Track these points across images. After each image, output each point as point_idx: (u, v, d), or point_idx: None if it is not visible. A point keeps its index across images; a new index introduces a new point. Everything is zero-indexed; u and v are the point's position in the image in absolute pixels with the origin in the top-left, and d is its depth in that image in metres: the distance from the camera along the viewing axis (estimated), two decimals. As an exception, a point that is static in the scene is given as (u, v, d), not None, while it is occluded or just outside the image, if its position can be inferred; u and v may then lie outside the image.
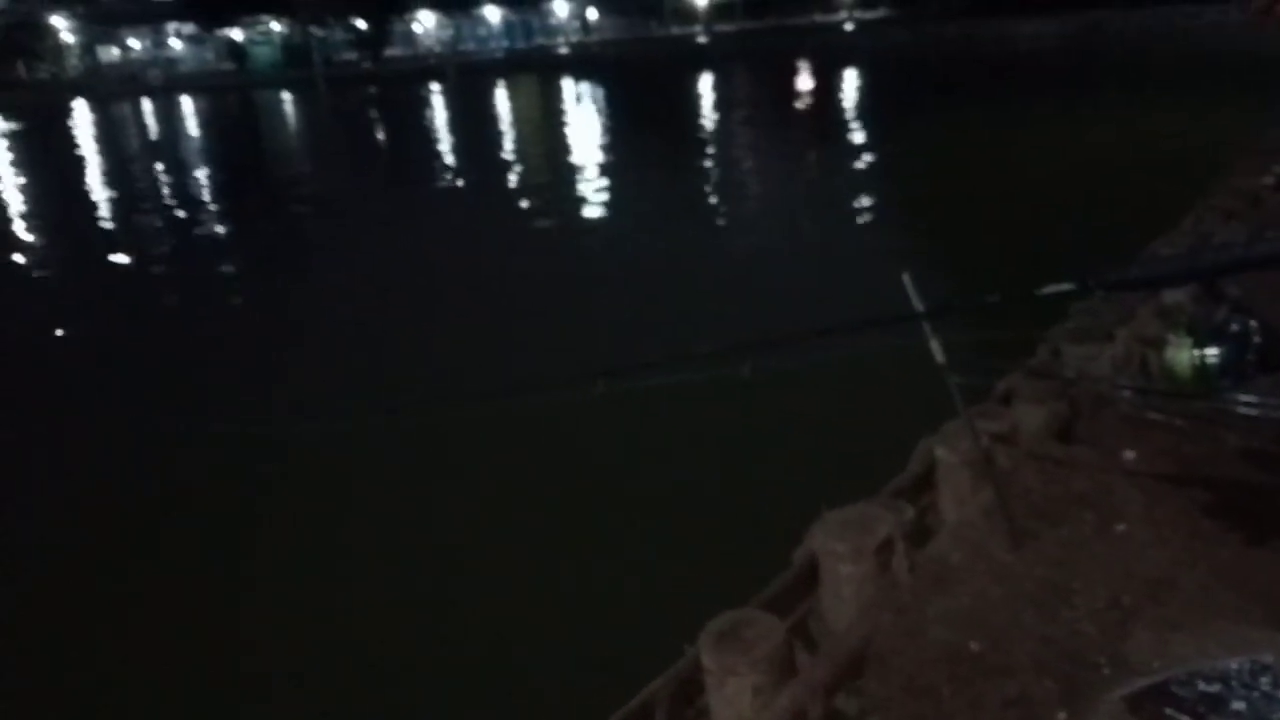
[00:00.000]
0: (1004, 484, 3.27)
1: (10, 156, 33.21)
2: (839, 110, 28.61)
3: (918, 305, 2.86)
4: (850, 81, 38.00)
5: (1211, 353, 2.32)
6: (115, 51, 76.99)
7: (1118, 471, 3.44)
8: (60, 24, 72.19)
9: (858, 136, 23.00)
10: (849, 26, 65.59)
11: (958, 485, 3.26)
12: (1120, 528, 3.15)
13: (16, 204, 22.54)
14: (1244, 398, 2.60)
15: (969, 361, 3.14)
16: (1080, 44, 41.11)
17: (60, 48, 73.57)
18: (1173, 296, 4.56)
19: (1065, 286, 2.58)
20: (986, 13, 52.02)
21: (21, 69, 70.97)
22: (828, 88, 35.89)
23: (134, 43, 77.16)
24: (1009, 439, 3.53)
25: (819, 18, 72.02)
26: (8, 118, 46.42)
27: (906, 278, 2.87)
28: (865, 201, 15.18)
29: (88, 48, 75.20)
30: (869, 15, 69.12)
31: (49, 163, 30.85)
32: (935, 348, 2.88)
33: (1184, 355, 2.35)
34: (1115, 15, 45.93)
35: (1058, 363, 4.25)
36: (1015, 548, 3.04)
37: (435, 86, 50.95)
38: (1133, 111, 21.76)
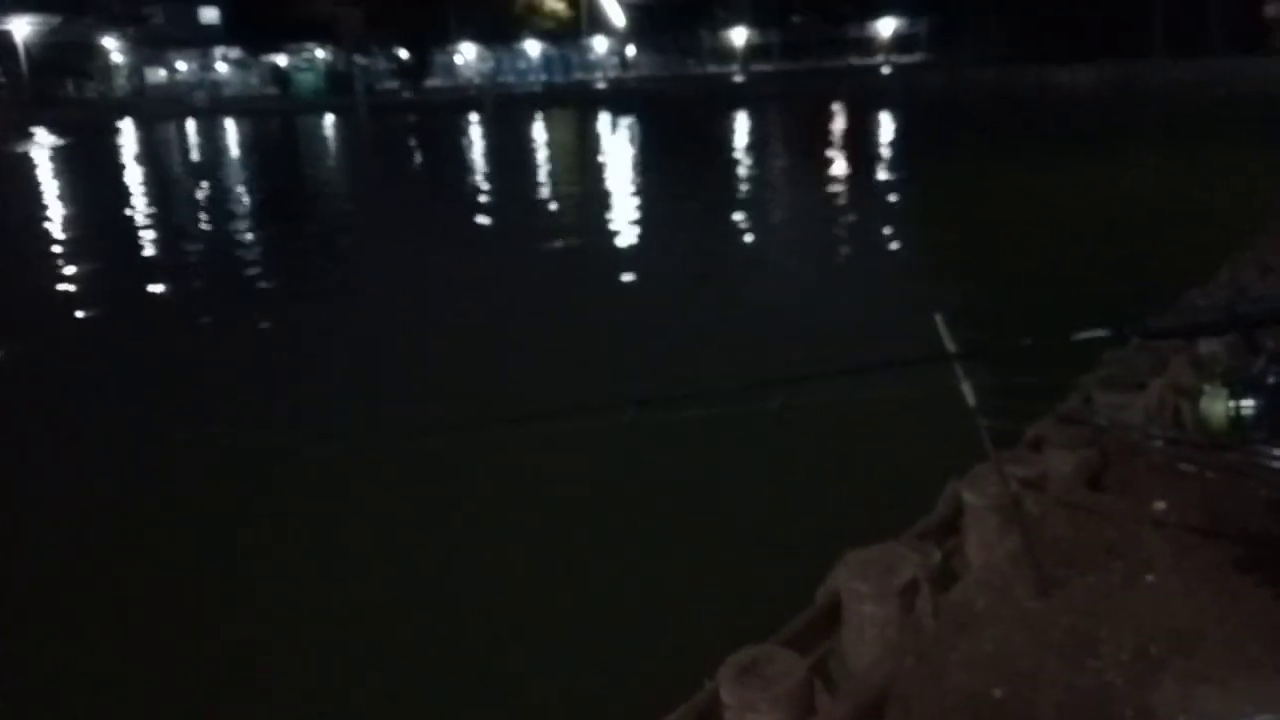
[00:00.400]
0: (1032, 530, 3.24)
1: (56, 171, 33.86)
2: (873, 151, 28.68)
3: (950, 346, 2.85)
4: (885, 123, 38.11)
5: (1247, 404, 2.29)
6: (162, 73, 78.59)
7: (1148, 521, 3.41)
8: (111, 45, 73.82)
9: (890, 178, 23.02)
10: (885, 70, 65.91)
11: (985, 530, 3.24)
12: (1149, 578, 3.12)
13: (57, 216, 22.96)
14: (1278, 451, 2.57)
15: (999, 405, 3.12)
16: (1119, 94, 41.06)
17: (109, 68, 75.21)
18: (1208, 346, 4.53)
19: (1100, 333, 2.57)
20: (1024, 60, 52.15)
21: (71, 87, 72.59)
22: (862, 129, 36.04)
23: (181, 65, 78.72)
24: (1038, 485, 3.50)
25: (855, 60, 72.46)
26: (56, 134, 47.38)
27: (939, 318, 2.86)
28: (896, 243, 15.17)
29: (136, 69, 76.81)
30: (905, 59, 69.41)
31: (92, 178, 31.41)
32: (966, 390, 2.87)
33: (1219, 406, 2.32)
34: (1155, 66, 45.89)
35: (1089, 410, 4.21)
36: (1042, 595, 3.00)
37: (474, 117, 51.60)
38: (1171, 162, 21.70)
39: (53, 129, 49.68)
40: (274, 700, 4.51)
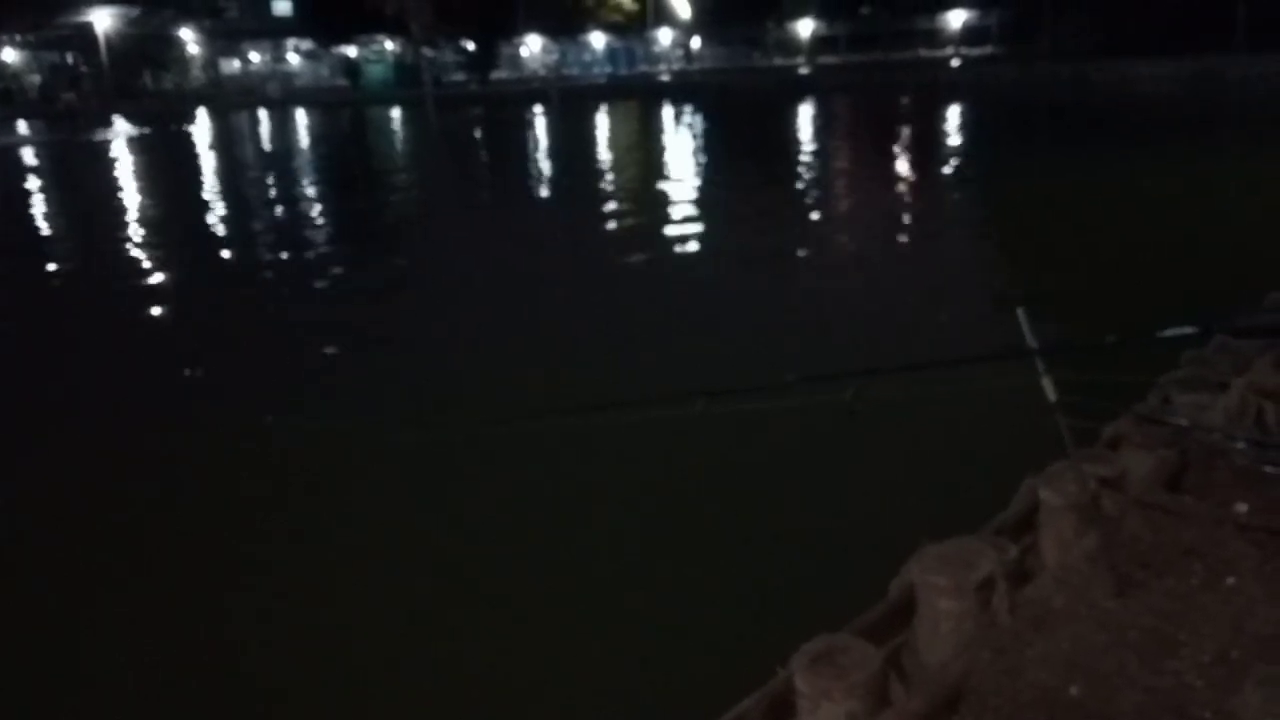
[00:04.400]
0: (1110, 530, 3.21)
1: (135, 159, 34.73)
2: (943, 146, 28.26)
3: (1031, 341, 2.84)
4: (956, 118, 37.52)
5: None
6: (236, 64, 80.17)
7: (1229, 524, 3.35)
8: (187, 36, 75.46)
9: (962, 173, 22.65)
10: (955, 62, 64.80)
11: (1061, 528, 3.21)
12: (1230, 581, 3.07)
13: (136, 202, 23.59)
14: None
15: (1078, 402, 3.10)
16: (1199, 89, 39.92)
17: (185, 59, 76.85)
18: (1292, 348, 4.43)
19: (1187, 330, 2.55)
20: (1099, 54, 50.94)
21: (149, 78, 74.38)
22: (932, 123, 35.52)
23: (254, 56, 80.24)
24: (1116, 485, 3.46)
25: (924, 52, 71.40)
26: (135, 123, 48.61)
27: (1021, 312, 2.85)
28: (971, 239, 14.97)
29: (211, 60, 78.43)
30: (976, 51, 68.20)
31: (169, 166, 32.17)
32: (1047, 385, 2.85)
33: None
34: (1237, 61, 44.48)
35: (1168, 410, 4.14)
36: (1120, 595, 2.98)
37: (539, 109, 51.85)
38: (1255, 160, 21.08)
39: (131, 119, 50.96)
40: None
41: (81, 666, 4.79)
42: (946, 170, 22.83)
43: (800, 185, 21.51)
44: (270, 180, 26.95)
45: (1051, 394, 2.87)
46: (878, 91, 48.93)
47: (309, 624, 5.05)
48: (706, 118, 42.75)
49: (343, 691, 4.54)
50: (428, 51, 73.31)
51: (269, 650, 4.87)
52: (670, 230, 16.08)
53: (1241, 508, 3.45)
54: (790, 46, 77.91)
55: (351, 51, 77.59)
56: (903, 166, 23.71)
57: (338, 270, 14.77)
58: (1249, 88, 38.80)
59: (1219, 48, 46.33)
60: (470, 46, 76.10)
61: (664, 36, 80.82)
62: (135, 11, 69.57)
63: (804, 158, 26.86)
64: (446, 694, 4.46)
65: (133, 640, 4.98)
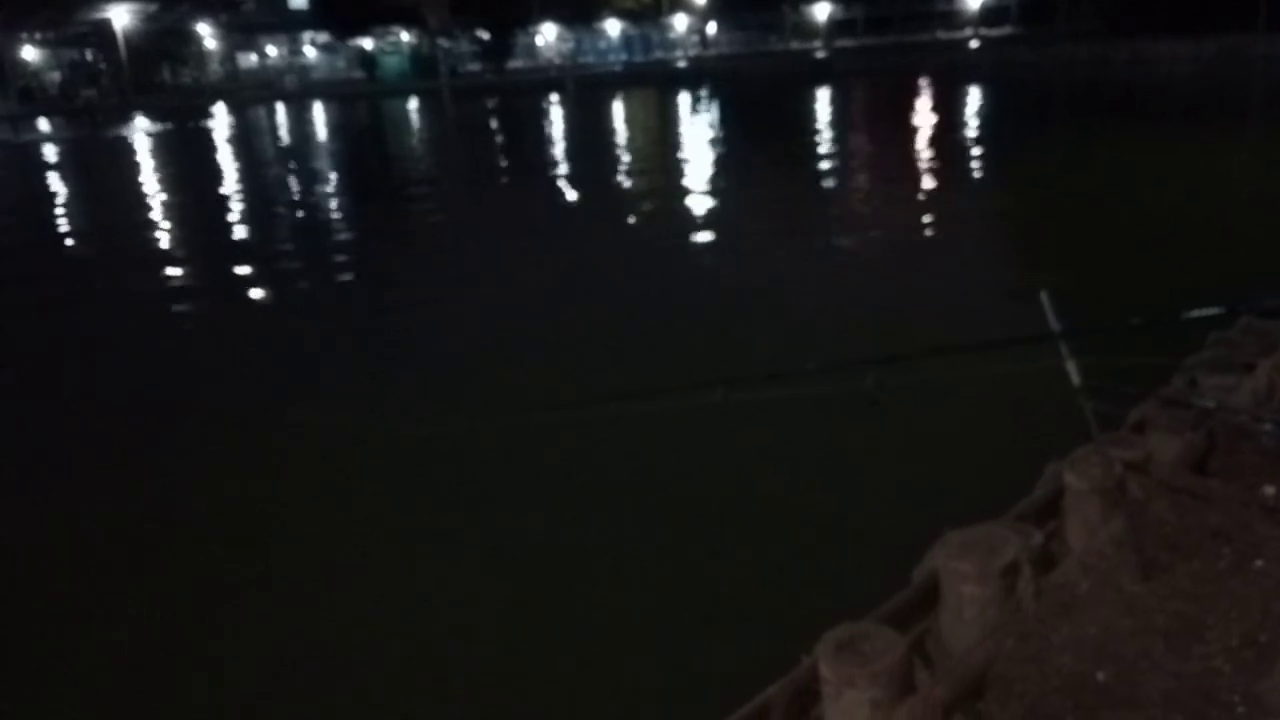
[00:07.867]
0: (1135, 514, 3.18)
1: (158, 155, 34.88)
2: (965, 130, 28.01)
3: (1054, 325, 2.81)
4: (976, 101, 37.19)
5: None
6: (253, 58, 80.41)
7: (1257, 507, 3.31)
8: (204, 31, 75.73)
9: (984, 156, 22.45)
10: (974, 44, 64.15)
11: (1087, 513, 3.18)
12: (1258, 564, 3.04)
13: (158, 200, 23.72)
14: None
15: (1102, 386, 3.07)
16: (1222, 69, 39.39)
17: (203, 54, 77.14)
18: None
19: (1212, 311, 2.52)
20: (1119, 33, 50.34)
21: (167, 73, 74.73)
22: (949, 107, 35.21)
23: (271, 50, 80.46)
24: (1141, 468, 3.42)
25: (942, 34, 70.76)
26: (155, 119, 48.83)
27: (1045, 296, 2.82)
28: (994, 222, 14.85)
29: (228, 54, 78.68)
30: (994, 32, 67.52)
31: (192, 161, 32.31)
32: (1072, 369, 2.83)
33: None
34: (1257, 40, 43.80)
35: (1194, 392, 4.10)
36: (1146, 579, 2.95)
37: (555, 98, 51.76)
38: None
39: (151, 114, 51.22)
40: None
41: (84, 664, 4.84)
42: (965, 154, 22.64)
43: (817, 172, 21.40)
44: (289, 175, 27.07)
45: (1076, 378, 2.84)
46: (896, 75, 48.55)
47: (311, 623, 5.08)
48: (723, 104, 42.58)
49: (345, 689, 4.56)
50: (443, 42, 73.31)
51: (272, 646, 4.91)
52: (687, 219, 16.04)
53: (1269, 490, 3.42)
54: (807, 30, 77.43)
55: (367, 43, 77.63)
56: (920, 151, 23.54)
57: (355, 263, 14.82)
58: (1273, 67, 38.25)
59: (1241, 27, 45.60)
60: (486, 36, 76.02)
61: (679, 23, 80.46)
62: (153, 7, 69.77)
63: (821, 145, 26.71)
64: (482, 687, 4.49)
65: (133, 639, 5.03)
